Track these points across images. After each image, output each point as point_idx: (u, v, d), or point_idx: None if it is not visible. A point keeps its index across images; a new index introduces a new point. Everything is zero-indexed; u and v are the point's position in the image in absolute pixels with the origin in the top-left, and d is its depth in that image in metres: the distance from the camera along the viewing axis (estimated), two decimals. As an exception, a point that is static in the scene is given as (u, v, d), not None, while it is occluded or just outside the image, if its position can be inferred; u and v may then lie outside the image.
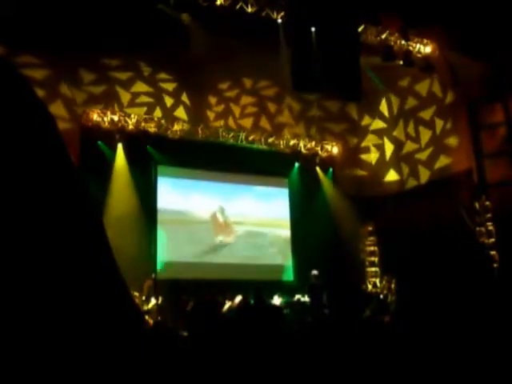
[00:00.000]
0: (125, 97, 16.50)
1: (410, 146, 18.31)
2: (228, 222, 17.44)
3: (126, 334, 1.23)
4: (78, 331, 1.08)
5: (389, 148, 18.97)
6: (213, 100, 17.98)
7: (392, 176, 18.89)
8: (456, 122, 16.66)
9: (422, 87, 17.56)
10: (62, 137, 1.25)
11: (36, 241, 1.03)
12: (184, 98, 17.41)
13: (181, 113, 17.37)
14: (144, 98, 16.84)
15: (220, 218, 17.36)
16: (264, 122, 18.74)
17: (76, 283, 1.10)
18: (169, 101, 17.26)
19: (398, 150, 18.67)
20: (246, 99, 18.46)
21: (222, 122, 17.88)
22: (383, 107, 18.92)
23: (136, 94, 16.70)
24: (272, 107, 18.85)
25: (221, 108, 18.09)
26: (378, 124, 19.06)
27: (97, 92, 15.94)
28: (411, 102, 17.98)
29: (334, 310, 3.72)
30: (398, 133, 18.62)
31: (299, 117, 19.22)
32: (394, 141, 18.77)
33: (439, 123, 17.30)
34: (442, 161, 17.14)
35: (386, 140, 18.99)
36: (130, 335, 1.25)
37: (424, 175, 17.73)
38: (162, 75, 17.10)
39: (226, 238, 17.30)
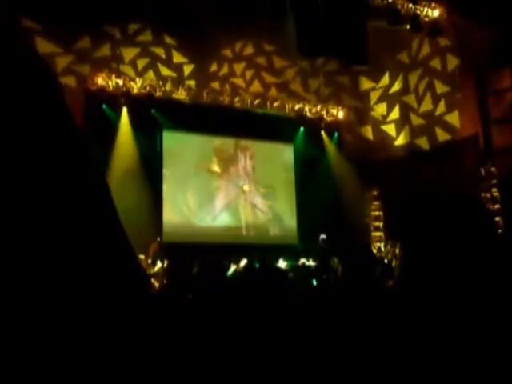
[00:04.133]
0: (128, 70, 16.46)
1: (411, 100, 18.29)
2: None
3: (133, 298, 1.24)
4: (83, 295, 1.09)
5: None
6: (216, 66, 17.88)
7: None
8: (463, 87, 16.54)
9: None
10: (67, 103, 1.25)
11: (38, 202, 1.04)
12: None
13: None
14: (143, 61, 16.78)
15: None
16: (269, 78, 18.66)
17: (80, 244, 1.11)
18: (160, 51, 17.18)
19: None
20: (250, 62, 18.33)
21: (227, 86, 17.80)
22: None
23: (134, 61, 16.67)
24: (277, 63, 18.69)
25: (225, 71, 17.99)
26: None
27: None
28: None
29: (348, 272, 3.75)
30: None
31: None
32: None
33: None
34: (447, 127, 17.12)
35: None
36: (136, 298, 1.26)
37: (426, 141, 17.76)
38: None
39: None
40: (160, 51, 17.00)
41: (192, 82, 17.22)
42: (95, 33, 15.57)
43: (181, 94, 16.63)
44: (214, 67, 17.68)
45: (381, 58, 17.72)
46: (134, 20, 16.10)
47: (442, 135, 17.27)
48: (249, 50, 18.22)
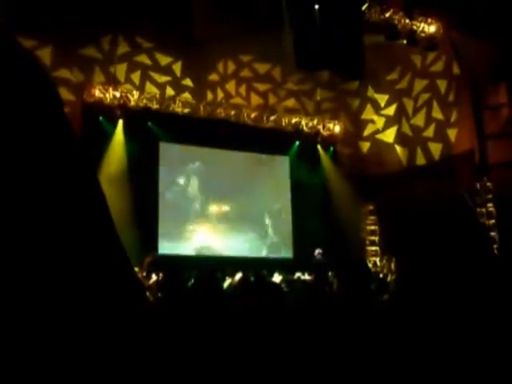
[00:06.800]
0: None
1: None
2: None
3: (129, 309, 1.24)
4: (75, 306, 1.09)
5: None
6: (215, 77, 17.90)
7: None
8: (459, 102, 16.62)
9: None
10: (67, 118, 1.25)
11: (33, 210, 1.04)
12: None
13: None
14: (137, 75, 16.77)
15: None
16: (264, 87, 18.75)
17: (75, 254, 1.10)
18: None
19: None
20: (247, 76, 18.39)
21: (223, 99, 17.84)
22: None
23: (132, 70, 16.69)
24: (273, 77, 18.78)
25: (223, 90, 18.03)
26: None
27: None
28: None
29: (344, 287, 3.74)
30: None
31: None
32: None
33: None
34: (444, 141, 17.21)
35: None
36: (132, 310, 1.25)
37: (425, 155, 17.84)
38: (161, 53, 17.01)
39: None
40: (144, 58, 16.95)
41: (188, 82, 17.23)
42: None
43: (178, 106, 16.67)
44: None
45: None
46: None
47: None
48: (236, 65, 18.30)
